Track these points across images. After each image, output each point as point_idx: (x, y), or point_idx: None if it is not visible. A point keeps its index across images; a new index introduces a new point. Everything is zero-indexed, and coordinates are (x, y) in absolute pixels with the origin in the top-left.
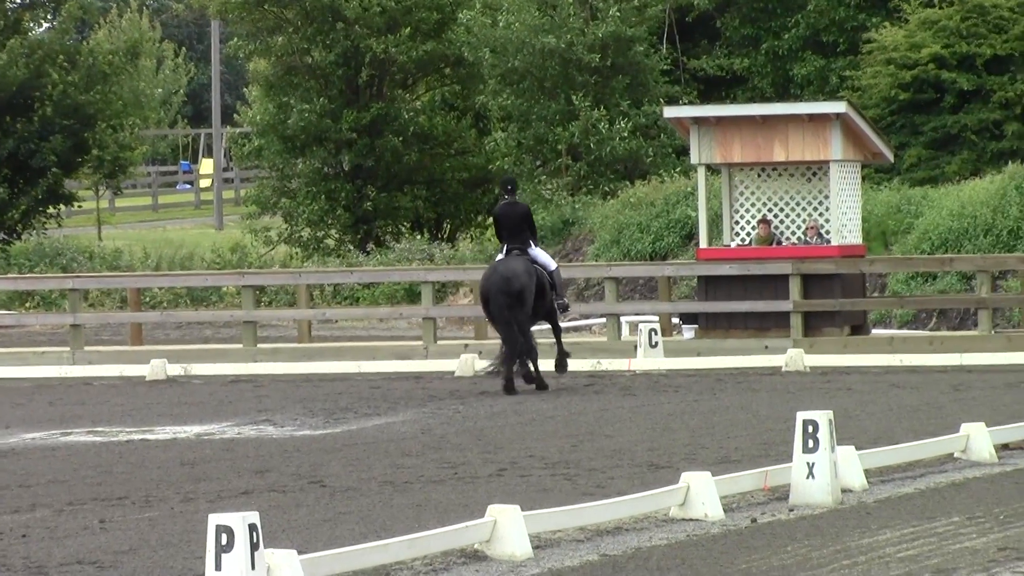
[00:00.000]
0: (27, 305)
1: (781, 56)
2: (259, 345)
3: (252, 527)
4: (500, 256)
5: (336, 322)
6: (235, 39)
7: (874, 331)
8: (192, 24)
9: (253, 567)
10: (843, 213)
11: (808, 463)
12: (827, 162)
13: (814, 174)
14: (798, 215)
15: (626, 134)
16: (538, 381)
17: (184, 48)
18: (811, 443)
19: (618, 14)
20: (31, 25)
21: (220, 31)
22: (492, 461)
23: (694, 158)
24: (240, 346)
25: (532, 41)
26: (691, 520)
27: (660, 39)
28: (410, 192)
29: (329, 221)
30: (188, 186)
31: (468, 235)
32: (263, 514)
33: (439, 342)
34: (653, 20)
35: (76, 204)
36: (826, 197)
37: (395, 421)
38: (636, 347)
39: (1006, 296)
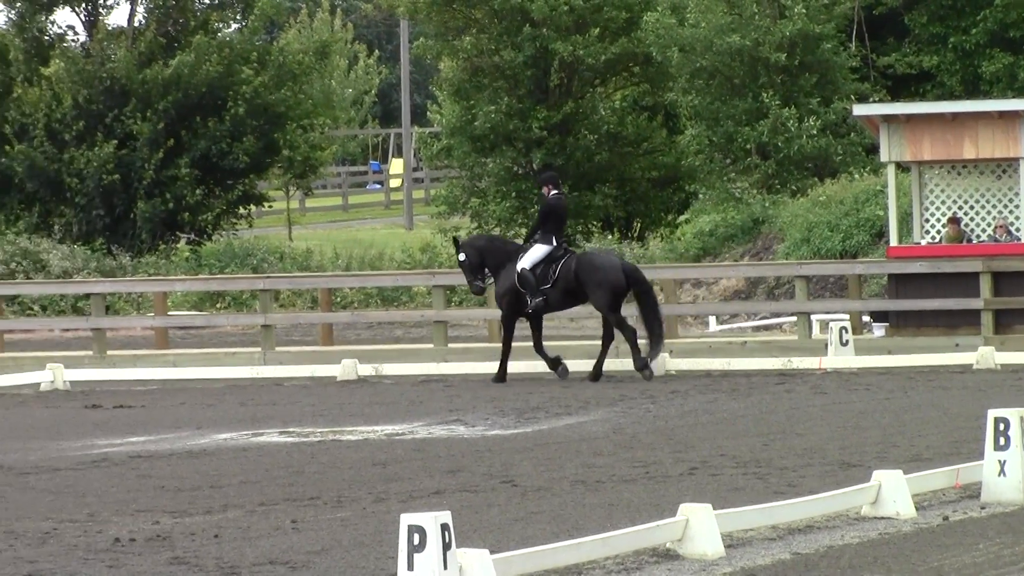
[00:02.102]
0: (218, 306)
1: (969, 53)
2: (450, 345)
3: (444, 527)
4: (548, 247)
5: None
6: (422, 39)
7: None
8: (381, 24)
9: (445, 567)
10: None
11: (999, 461)
12: (1017, 159)
13: (1004, 171)
14: (988, 212)
15: (815, 132)
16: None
17: (375, 49)
18: (1002, 441)
19: (804, 12)
20: (219, 25)
21: (409, 31)
22: (683, 460)
23: (884, 156)
24: (431, 346)
25: (719, 40)
26: (882, 518)
27: (848, 36)
28: (600, 191)
29: (519, 220)
30: (378, 186)
31: (658, 234)
32: (455, 514)
33: None
34: (841, 17)
35: (267, 204)
36: (1016, 194)
37: (586, 420)
38: (827, 345)
39: None
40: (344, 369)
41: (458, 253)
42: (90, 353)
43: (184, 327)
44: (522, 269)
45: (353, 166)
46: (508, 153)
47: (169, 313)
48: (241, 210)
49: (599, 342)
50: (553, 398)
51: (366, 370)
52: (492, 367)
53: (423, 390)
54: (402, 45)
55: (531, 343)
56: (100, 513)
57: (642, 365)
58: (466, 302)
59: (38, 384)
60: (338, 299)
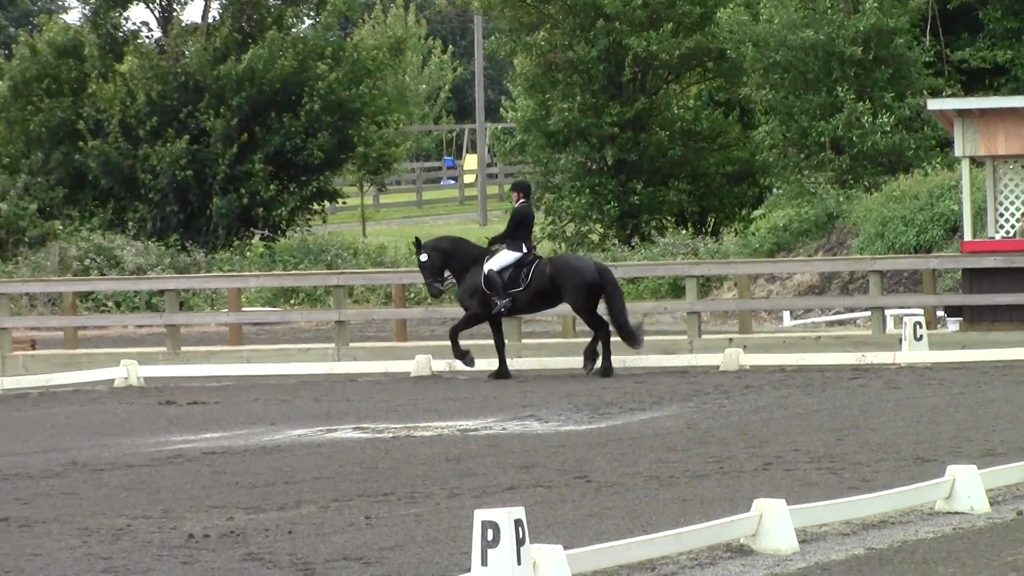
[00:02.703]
0: (292, 302)
1: None
2: (523, 340)
3: (518, 522)
4: (517, 253)
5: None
6: (496, 35)
7: None
8: (455, 20)
9: (519, 562)
10: None
11: None
12: None
13: None
14: None
15: (889, 127)
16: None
17: (448, 45)
18: None
19: (878, 6)
20: (293, 21)
21: (483, 26)
22: (757, 455)
23: (958, 151)
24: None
25: (792, 35)
26: (957, 513)
27: (922, 31)
28: (674, 186)
29: (593, 216)
30: (452, 181)
31: (732, 229)
32: (528, 509)
33: (704, 336)
34: (915, 12)
35: (341, 200)
36: None
37: (660, 416)
38: (900, 340)
39: None
40: (418, 365)
41: (419, 253)
42: (164, 349)
43: (258, 323)
44: (489, 271)
45: (427, 162)
46: (581, 148)
47: (243, 309)
48: (315, 206)
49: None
50: (627, 393)
51: (440, 366)
52: (567, 362)
53: (497, 385)
54: (476, 41)
55: (576, 337)
56: (174, 509)
57: (606, 369)
58: None
59: (112, 380)
60: (412, 295)
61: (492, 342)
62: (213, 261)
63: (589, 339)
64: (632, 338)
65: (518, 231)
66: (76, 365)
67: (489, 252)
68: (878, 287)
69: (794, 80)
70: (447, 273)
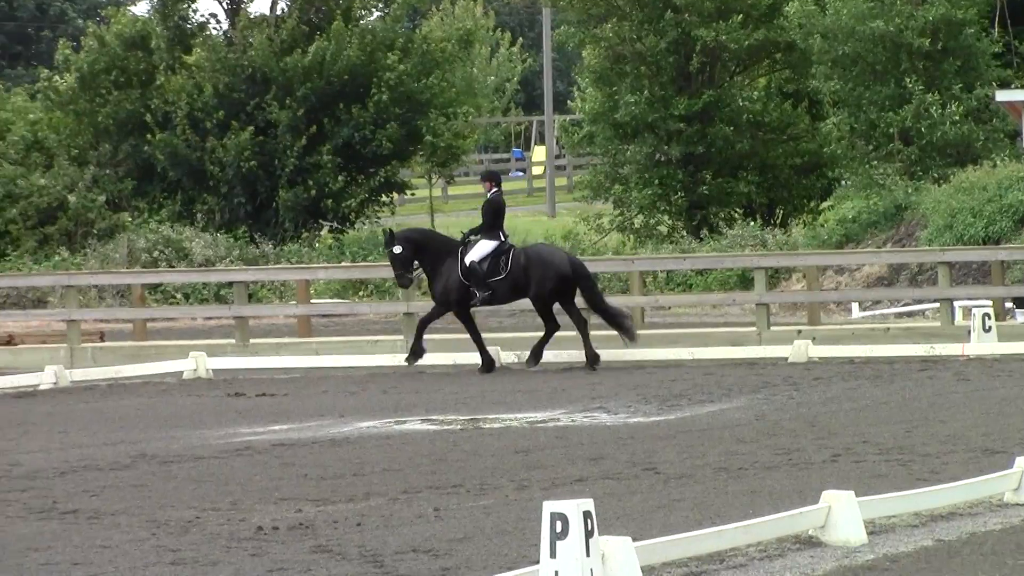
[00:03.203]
0: (361, 294)
1: None
2: (592, 332)
3: (586, 514)
4: (494, 242)
5: (669, 308)
6: (564, 26)
7: None
8: (523, 12)
9: (588, 554)
10: None
11: None
12: None
13: None
14: None
15: (957, 118)
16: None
17: (518, 36)
18: None
19: None
20: (362, 13)
21: (551, 18)
22: (826, 447)
23: None
24: (573, 333)
25: (860, 27)
26: None
27: (991, 22)
28: (743, 178)
29: (661, 207)
30: (520, 173)
31: (800, 220)
32: (597, 501)
33: (772, 328)
34: (983, 3)
35: (409, 192)
36: None
37: (729, 407)
38: (969, 332)
39: None
40: None
41: (392, 245)
42: (233, 341)
43: (327, 315)
44: (471, 262)
45: (495, 153)
46: (649, 140)
47: (312, 301)
48: (383, 198)
49: (576, 334)
50: (696, 385)
51: (508, 357)
52: (636, 355)
53: (565, 377)
54: (544, 33)
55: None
56: (243, 501)
57: (535, 361)
58: (608, 289)
59: (181, 372)
60: None
61: (475, 337)
62: (281, 253)
63: (585, 334)
64: (625, 327)
65: (497, 220)
66: (145, 357)
67: (464, 244)
68: (947, 278)
69: (862, 71)
70: (415, 264)
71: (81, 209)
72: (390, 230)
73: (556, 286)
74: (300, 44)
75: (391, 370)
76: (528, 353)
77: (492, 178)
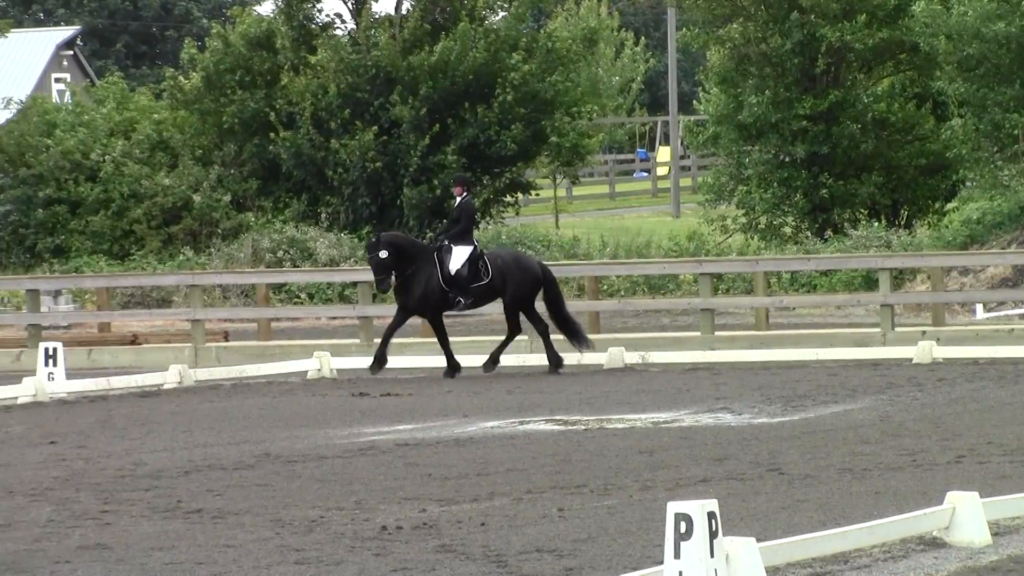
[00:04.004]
0: None
1: None
2: (716, 333)
3: (711, 515)
4: (469, 247)
5: (793, 309)
6: (689, 27)
7: None
8: (648, 12)
9: (712, 555)
10: None
11: None
12: None
13: None
14: None
15: None
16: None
17: (642, 37)
18: None
19: None
20: (486, 13)
21: (676, 19)
22: (950, 448)
23: None
24: (697, 334)
25: (986, 28)
26: None
27: None
28: (867, 179)
29: (785, 208)
30: (645, 174)
31: (925, 221)
32: (721, 502)
33: (896, 329)
34: None
35: (534, 192)
36: None
37: (853, 408)
38: None
39: None
40: (611, 357)
41: (379, 250)
42: (357, 341)
43: (451, 315)
44: (456, 270)
45: (620, 154)
46: (773, 141)
47: None
48: (508, 198)
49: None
50: (820, 386)
51: (633, 358)
52: (760, 355)
53: (690, 378)
54: (669, 33)
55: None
56: (367, 501)
57: (557, 362)
58: (732, 290)
59: (305, 372)
60: (605, 287)
61: (445, 343)
62: None
63: (554, 337)
64: (581, 340)
65: (470, 224)
66: (269, 357)
67: (437, 249)
68: None
69: (987, 73)
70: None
71: (206, 209)
72: (378, 235)
73: (532, 291)
74: (424, 43)
75: (515, 370)
76: (488, 358)
77: (464, 183)
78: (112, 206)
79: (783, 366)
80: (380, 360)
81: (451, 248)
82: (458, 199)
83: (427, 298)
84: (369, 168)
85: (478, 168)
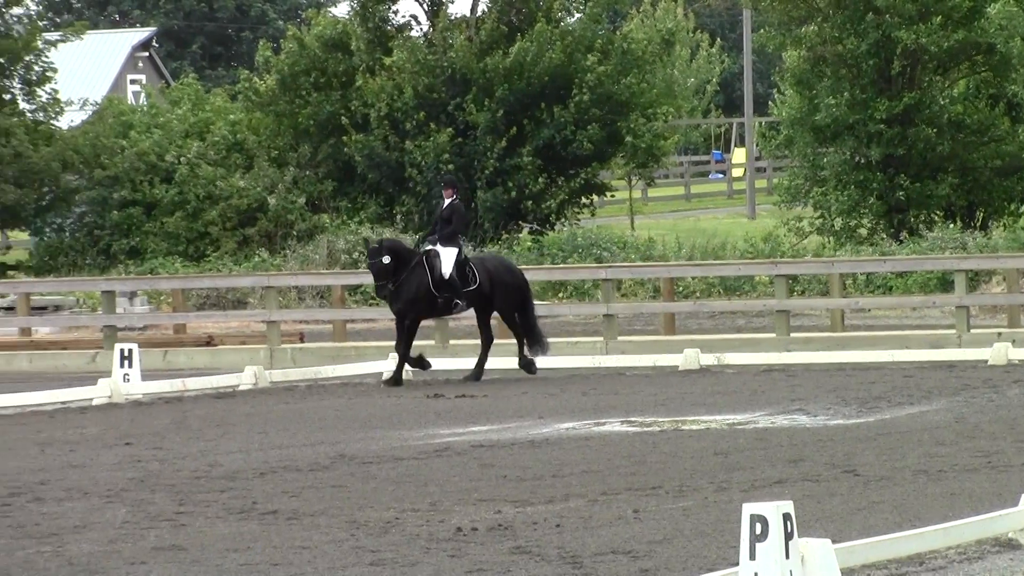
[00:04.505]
0: (560, 295)
1: None
2: (792, 334)
3: (786, 516)
4: (455, 250)
5: (868, 311)
6: (764, 28)
7: None
8: (724, 14)
9: (787, 556)
10: None
11: None
12: None
13: None
14: None
15: None
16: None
17: (717, 38)
18: None
19: None
20: (562, 14)
21: (751, 20)
22: None
23: None
24: (773, 335)
25: None
26: None
27: None
28: (943, 181)
29: (861, 210)
30: (720, 176)
31: (1001, 223)
32: (796, 503)
33: (972, 330)
34: None
35: (609, 194)
36: None
37: (928, 410)
38: None
39: None
40: (686, 358)
41: (381, 255)
42: (432, 343)
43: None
44: (450, 274)
45: (695, 155)
46: (849, 142)
47: None
48: (584, 199)
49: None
50: (895, 387)
51: (708, 359)
52: (835, 357)
53: (765, 379)
54: (744, 35)
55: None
56: (442, 502)
57: (478, 375)
58: (807, 291)
59: (380, 373)
60: (680, 288)
61: (406, 351)
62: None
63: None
64: (541, 342)
65: (461, 227)
66: (344, 358)
67: (426, 252)
68: None
69: None
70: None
71: (281, 210)
72: (380, 241)
73: (519, 298)
74: (500, 45)
75: (590, 371)
76: (472, 372)
77: (454, 185)
78: (187, 208)
79: (858, 368)
80: (421, 364)
81: (438, 252)
82: (447, 201)
83: (416, 302)
84: (444, 170)
85: (553, 170)
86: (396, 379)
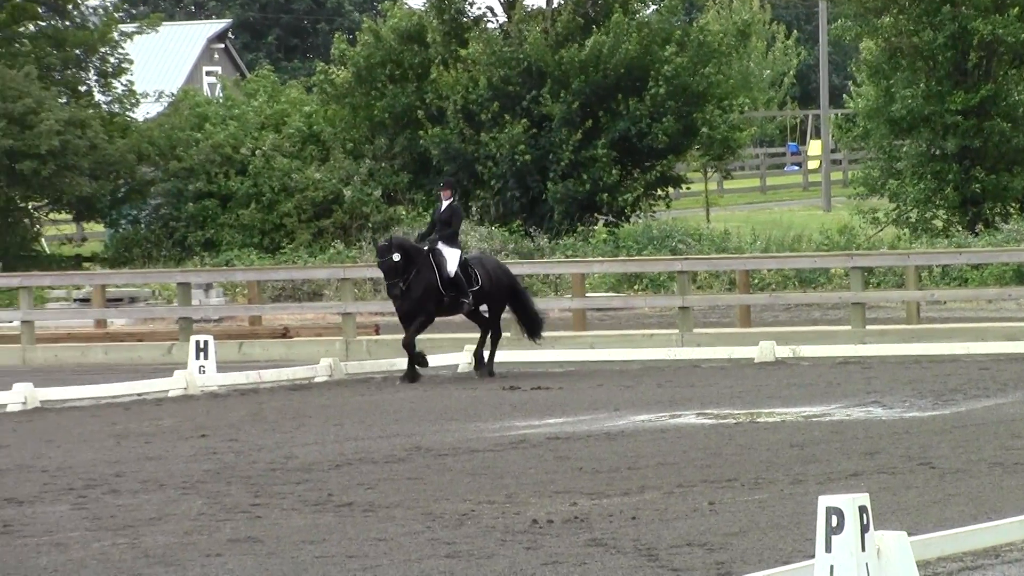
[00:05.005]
0: (635, 288)
1: None
2: (867, 327)
3: (862, 509)
4: (458, 250)
5: (944, 303)
6: (841, 20)
7: None
8: (800, 5)
9: (863, 548)
10: None
11: None
12: None
13: None
14: None
15: None
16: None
17: (793, 30)
18: None
19: None
20: (638, 6)
21: (828, 12)
22: None
23: None
24: (848, 327)
25: None
26: None
27: None
28: (1019, 173)
29: (936, 202)
30: (796, 168)
31: None
32: (872, 496)
33: None
34: None
35: (685, 186)
36: None
37: (1004, 402)
38: None
39: None
40: (762, 351)
41: (392, 253)
42: (508, 335)
43: (601, 309)
44: (456, 273)
45: (771, 147)
46: (924, 134)
47: (587, 295)
48: (659, 192)
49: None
50: (971, 380)
51: (784, 352)
52: (911, 349)
53: (840, 372)
54: (820, 26)
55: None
56: (518, 495)
57: (490, 371)
58: (883, 283)
59: (456, 366)
60: (756, 281)
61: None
62: (556, 246)
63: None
64: (540, 323)
65: (458, 228)
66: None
67: (431, 252)
68: None
69: None
70: None
71: (356, 203)
72: (389, 239)
73: (510, 294)
74: (575, 37)
75: (666, 364)
76: (482, 366)
77: (452, 186)
78: (262, 199)
79: (934, 360)
80: (419, 361)
81: (442, 252)
82: (445, 202)
83: (424, 301)
84: (519, 162)
85: (628, 162)
86: (409, 375)
